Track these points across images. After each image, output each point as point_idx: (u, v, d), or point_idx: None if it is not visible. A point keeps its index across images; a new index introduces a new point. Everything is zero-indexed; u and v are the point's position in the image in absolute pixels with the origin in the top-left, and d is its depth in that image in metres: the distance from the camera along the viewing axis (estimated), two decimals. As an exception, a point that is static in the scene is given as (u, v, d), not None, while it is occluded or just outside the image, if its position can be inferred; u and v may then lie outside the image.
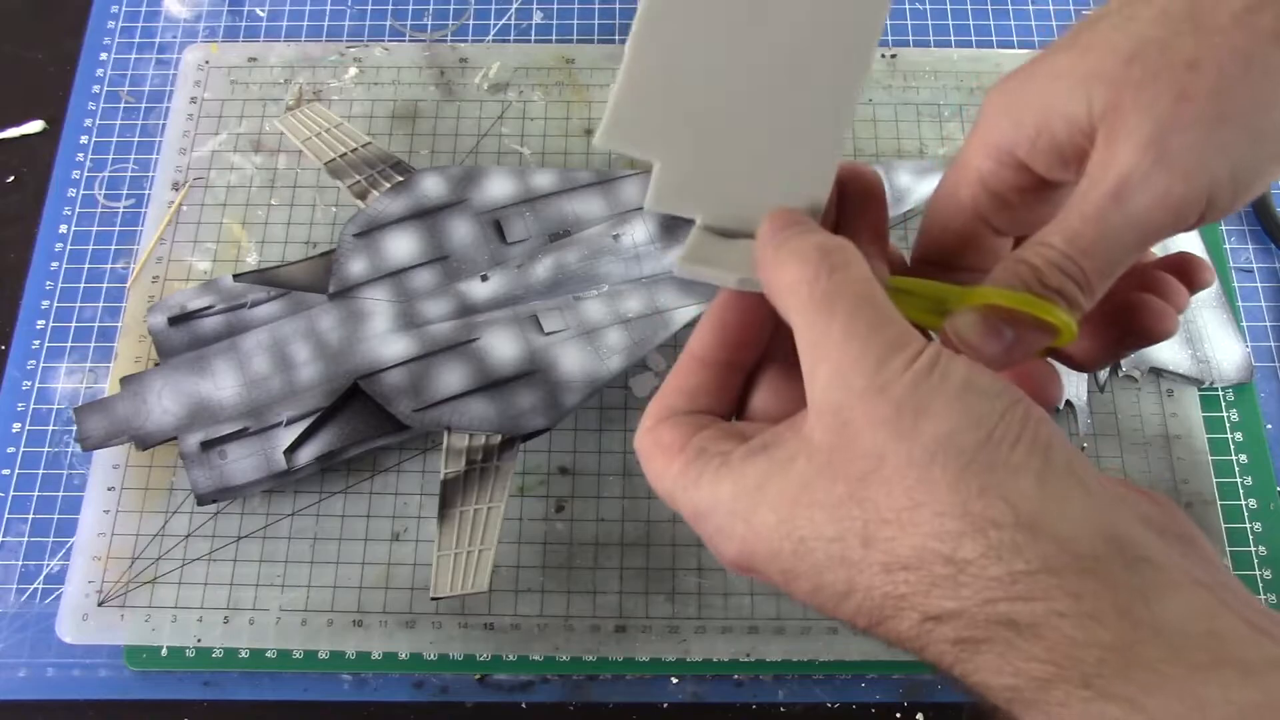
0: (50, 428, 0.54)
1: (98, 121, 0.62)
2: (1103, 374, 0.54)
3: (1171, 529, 0.25)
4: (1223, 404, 0.55)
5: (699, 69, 0.28)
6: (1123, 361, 0.54)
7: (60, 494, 0.53)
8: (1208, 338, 0.55)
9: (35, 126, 0.63)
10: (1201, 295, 0.56)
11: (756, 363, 0.30)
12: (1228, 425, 0.54)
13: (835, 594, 0.24)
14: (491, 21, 0.65)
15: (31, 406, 0.55)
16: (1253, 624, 0.22)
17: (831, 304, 0.25)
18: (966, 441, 0.23)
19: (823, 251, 0.25)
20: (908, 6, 0.66)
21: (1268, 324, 0.57)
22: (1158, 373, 0.54)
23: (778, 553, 0.25)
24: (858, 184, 0.30)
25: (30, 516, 0.53)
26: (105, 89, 0.63)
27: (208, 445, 0.48)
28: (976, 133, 0.29)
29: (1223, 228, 0.59)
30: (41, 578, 0.51)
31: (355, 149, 0.55)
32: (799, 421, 0.25)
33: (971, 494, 0.22)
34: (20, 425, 0.54)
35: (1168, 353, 0.54)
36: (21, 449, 0.54)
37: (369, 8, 0.66)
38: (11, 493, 0.53)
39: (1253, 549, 0.51)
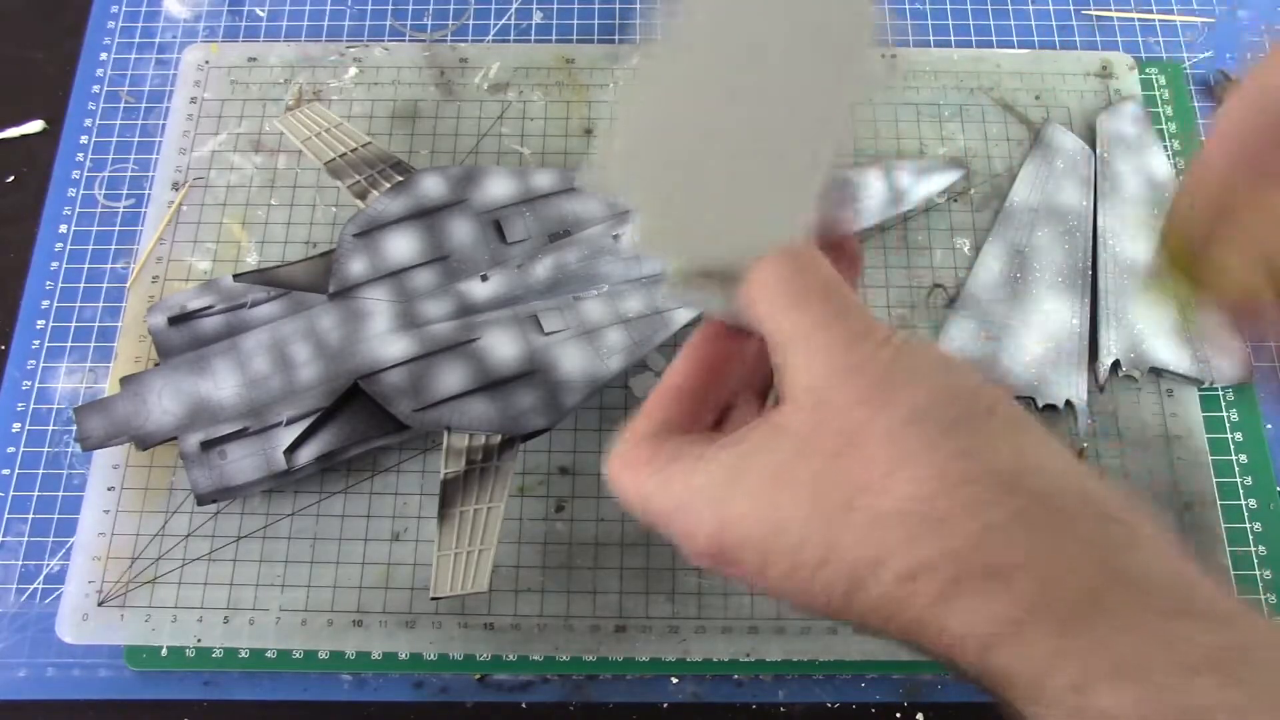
0: (50, 428, 0.54)
1: (98, 121, 0.62)
2: (1103, 373, 0.54)
3: (1132, 516, 0.25)
4: (1223, 404, 0.55)
5: (680, 119, 0.28)
6: (1122, 361, 0.54)
7: (60, 494, 0.53)
8: (1207, 337, 0.55)
9: (35, 126, 0.63)
10: None
11: (730, 398, 0.30)
12: (1228, 425, 0.54)
13: (809, 568, 0.24)
14: (491, 21, 0.65)
15: (31, 406, 0.55)
16: (1218, 583, 0.22)
17: (805, 298, 0.26)
18: (943, 411, 0.23)
19: (790, 254, 0.27)
20: (908, 6, 0.66)
21: (1268, 324, 0.57)
22: (1158, 372, 0.54)
23: (749, 536, 0.25)
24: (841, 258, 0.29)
25: (30, 516, 0.53)
26: (105, 89, 0.63)
27: (208, 445, 0.48)
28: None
29: (1223, 228, 0.59)
30: (41, 578, 0.51)
31: (355, 149, 0.55)
32: (773, 415, 0.26)
33: (949, 455, 0.23)
34: (20, 425, 0.54)
35: (1167, 353, 0.54)
36: (21, 449, 0.54)
37: (369, 8, 0.66)
38: (11, 493, 0.53)
39: (1253, 549, 0.51)
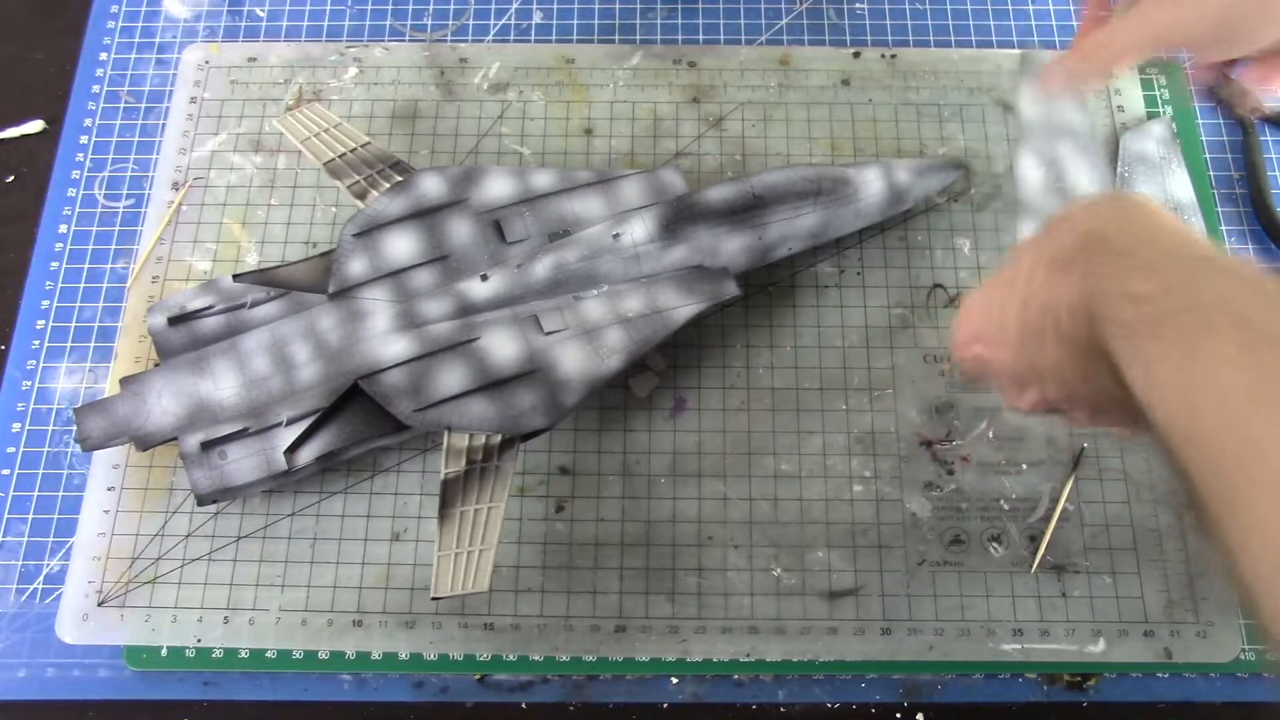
0: (50, 428, 0.54)
1: (98, 121, 0.62)
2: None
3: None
4: (1223, 404, 0.54)
5: None
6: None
7: (60, 494, 0.53)
8: None
9: (35, 126, 0.63)
10: None
11: None
12: (1228, 425, 0.54)
13: (1016, 295, 0.35)
14: (491, 21, 0.65)
15: (31, 406, 0.55)
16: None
17: None
18: (1111, 202, 0.36)
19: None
20: (908, 6, 0.66)
21: (1268, 324, 0.57)
22: None
23: (993, 312, 0.37)
24: None
25: (30, 516, 0.53)
26: (105, 89, 0.63)
27: (208, 445, 0.48)
28: None
29: (1223, 228, 0.59)
30: (41, 578, 0.51)
31: (355, 149, 0.55)
32: None
33: (1090, 211, 0.35)
34: (20, 425, 0.54)
35: None
36: (21, 449, 0.54)
37: (369, 8, 0.66)
38: (11, 493, 0.53)
39: (1253, 549, 0.51)
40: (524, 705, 0.49)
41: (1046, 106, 0.55)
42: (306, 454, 0.48)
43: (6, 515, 0.53)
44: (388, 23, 0.65)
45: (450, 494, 0.46)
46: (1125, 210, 0.34)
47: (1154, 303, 0.30)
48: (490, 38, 0.65)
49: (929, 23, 0.65)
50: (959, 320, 0.39)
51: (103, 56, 0.64)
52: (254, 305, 0.51)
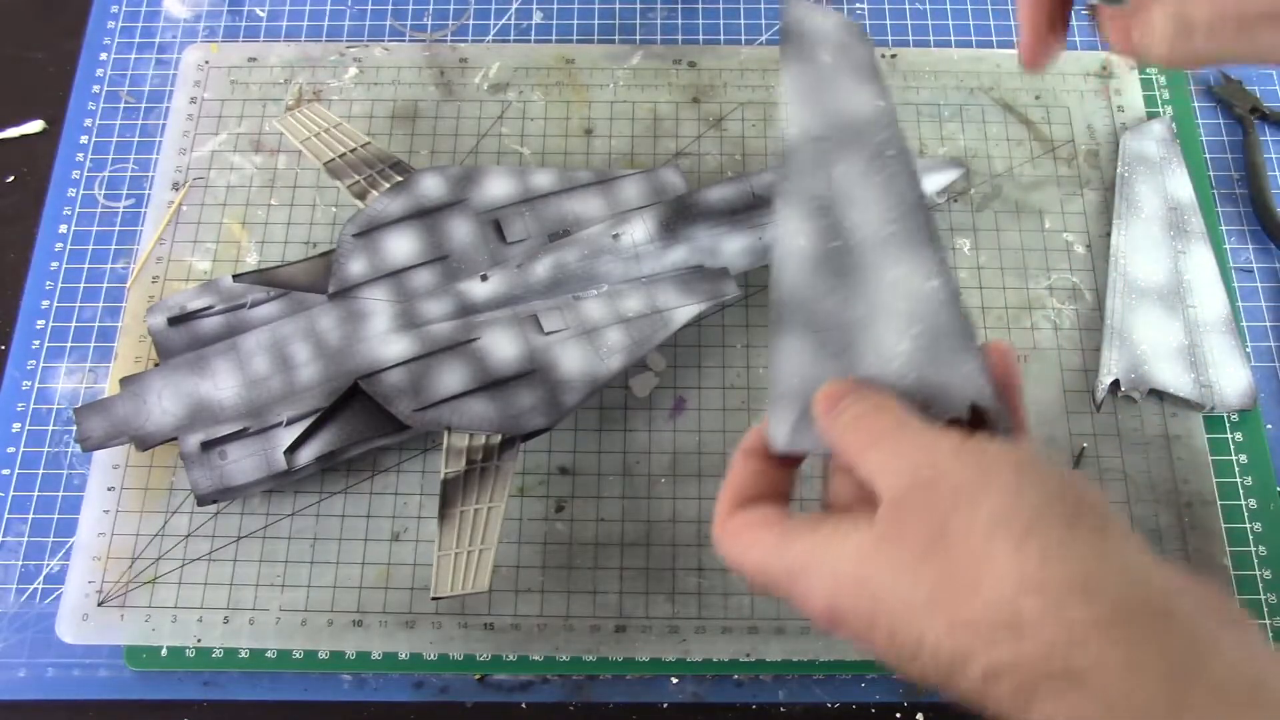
0: (50, 428, 0.54)
1: (98, 121, 0.62)
2: (1100, 393, 0.54)
3: (1221, 612, 0.25)
4: (1223, 404, 0.54)
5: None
6: (1122, 381, 0.54)
7: (60, 494, 0.53)
8: (1213, 363, 0.54)
9: (35, 126, 0.63)
10: (1210, 320, 0.55)
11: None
12: (1228, 425, 0.54)
13: (908, 647, 0.26)
14: (491, 21, 0.65)
15: (31, 406, 0.55)
16: None
17: (879, 437, 0.29)
18: (1024, 515, 0.25)
19: (860, 395, 0.31)
20: (908, 6, 0.66)
21: (1268, 324, 0.57)
22: (1159, 395, 0.54)
23: (857, 602, 0.27)
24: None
25: (30, 516, 0.53)
26: (105, 89, 0.63)
27: (208, 445, 0.48)
28: None
29: (1223, 228, 0.59)
30: (41, 578, 0.51)
31: (355, 149, 0.55)
32: (874, 511, 0.28)
33: (1031, 560, 0.24)
34: (20, 425, 0.54)
35: (1169, 375, 0.54)
36: (21, 449, 0.54)
37: (369, 8, 0.66)
38: (11, 493, 0.53)
39: (1253, 549, 0.51)
40: (524, 705, 0.49)
41: (824, 90, 0.36)
42: (306, 454, 0.48)
43: (6, 515, 0.53)
44: (388, 23, 0.65)
45: (450, 494, 0.46)
46: (1119, 638, 0.23)
47: None
48: (490, 38, 0.65)
49: (929, 23, 0.65)
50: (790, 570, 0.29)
51: (103, 56, 0.64)
52: (254, 305, 0.51)
